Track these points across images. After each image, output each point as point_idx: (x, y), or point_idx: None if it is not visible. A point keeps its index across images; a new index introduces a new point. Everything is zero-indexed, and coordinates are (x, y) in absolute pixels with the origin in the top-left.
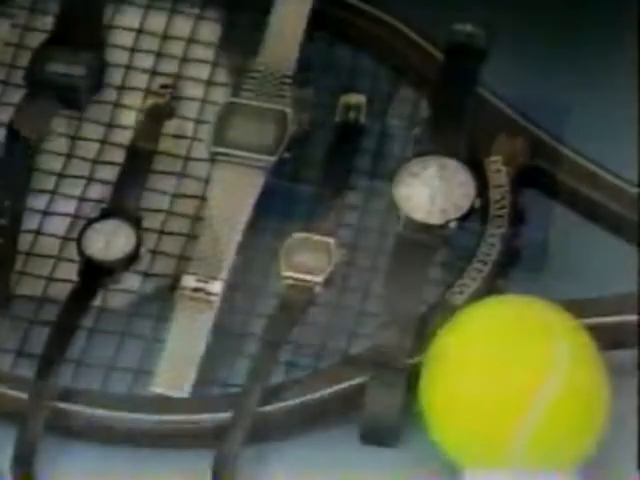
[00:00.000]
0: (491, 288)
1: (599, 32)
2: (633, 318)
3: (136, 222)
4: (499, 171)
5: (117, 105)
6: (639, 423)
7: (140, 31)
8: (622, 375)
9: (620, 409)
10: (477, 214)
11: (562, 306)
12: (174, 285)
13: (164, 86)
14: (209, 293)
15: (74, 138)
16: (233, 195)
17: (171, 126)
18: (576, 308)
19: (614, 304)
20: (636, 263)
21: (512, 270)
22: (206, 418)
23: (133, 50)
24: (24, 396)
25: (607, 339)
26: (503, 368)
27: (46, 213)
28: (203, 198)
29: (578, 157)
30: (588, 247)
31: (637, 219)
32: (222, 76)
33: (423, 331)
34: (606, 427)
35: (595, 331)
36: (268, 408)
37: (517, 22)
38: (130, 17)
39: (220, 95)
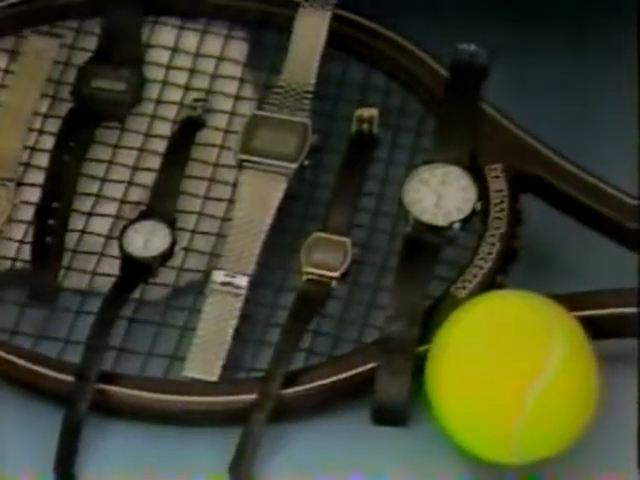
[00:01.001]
0: (491, 283)
1: (599, 44)
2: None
3: (171, 223)
4: (498, 177)
5: (154, 117)
6: (639, 423)
7: (175, 49)
8: (622, 364)
9: (620, 398)
10: (478, 216)
11: (560, 300)
12: (205, 279)
13: (196, 100)
14: (236, 287)
15: (116, 146)
16: (258, 198)
17: (202, 136)
18: (570, 301)
19: (610, 298)
20: (634, 260)
21: (510, 267)
22: (233, 400)
23: (168, 67)
24: (71, 379)
25: (605, 330)
26: (502, 357)
27: (91, 214)
28: (231, 201)
29: (571, 165)
30: (583, 245)
31: (637, 228)
32: (248, 91)
33: (429, 322)
34: (606, 422)
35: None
36: (289, 391)
37: (516, 37)
38: (165, 37)
39: (247, 108)
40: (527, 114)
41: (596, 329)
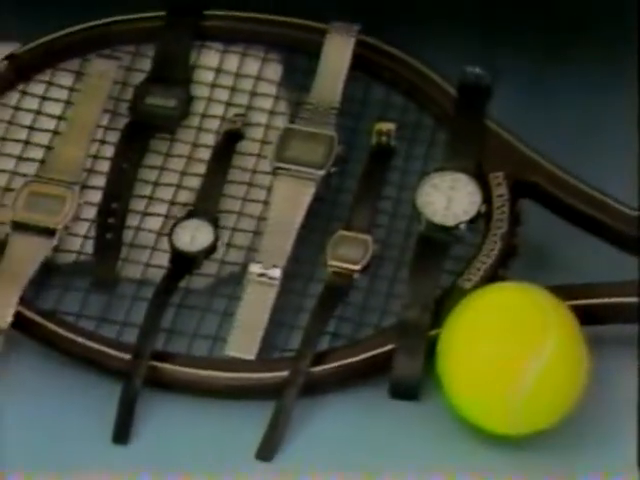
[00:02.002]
0: (494, 276)
1: (599, 57)
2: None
3: (214, 221)
4: (500, 184)
5: (200, 129)
6: (639, 423)
7: (218, 70)
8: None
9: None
10: (483, 217)
11: (554, 290)
12: (243, 271)
13: (237, 115)
14: (271, 278)
15: (167, 155)
16: (290, 201)
17: (242, 146)
18: (564, 292)
19: (598, 289)
20: (623, 255)
21: (510, 262)
22: (268, 376)
23: (213, 86)
24: (128, 357)
25: (594, 316)
26: (504, 340)
27: (145, 213)
28: (266, 203)
29: (564, 174)
30: (574, 243)
31: (636, 235)
32: (282, 107)
33: (439, 310)
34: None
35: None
36: (316, 369)
37: (519, 58)
38: (210, 59)
39: (280, 122)
40: (532, 128)
41: (586, 316)
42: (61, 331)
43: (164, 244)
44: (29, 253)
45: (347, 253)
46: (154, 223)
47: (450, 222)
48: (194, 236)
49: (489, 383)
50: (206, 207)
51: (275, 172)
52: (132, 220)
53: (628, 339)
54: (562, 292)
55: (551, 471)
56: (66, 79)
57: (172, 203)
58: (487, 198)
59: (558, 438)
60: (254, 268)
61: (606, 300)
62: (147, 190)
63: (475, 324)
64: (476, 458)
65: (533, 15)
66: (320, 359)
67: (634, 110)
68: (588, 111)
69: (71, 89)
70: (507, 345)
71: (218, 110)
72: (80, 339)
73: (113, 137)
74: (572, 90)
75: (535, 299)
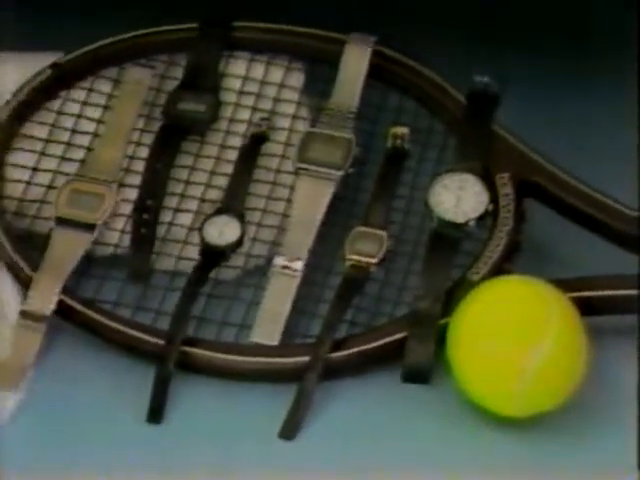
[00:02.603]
0: (500, 270)
1: (601, 63)
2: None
3: (241, 217)
4: (506, 184)
5: (228, 132)
6: (639, 423)
7: (245, 78)
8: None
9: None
10: (490, 215)
11: (556, 283)
12: (268, 263)
13: (262, 119)
14: (294, 270)
15: (197, 155)
16: (311, 199)
17: (267, 148)
18: (564, 284)
19: (596, 282)
20: (621, 252)
21: (515, 257)
22: (290, 361)
23: (240, 92)
24: (161, 342)
25: (592, 308)
26: (509, 329)
27: (177, 210)
28: (289, 200)
29: (565, 175)
30: (574, 240)
31: (636, 234)
32: (304, 112)
33: (449, 300)
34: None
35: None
36: (335, 355)
37: (525, 67)
38: (238, 67)
39: (302, 126)
40: (537, 134)
41: (586, 307)
42: (100, 318)
43: (195, 238)
44: (71, 246)
45: (364, 248)
46: (186, 219)
47: (459, 219)
48: (222, 231)
49: (495, 369)
50: (233, 204)
51: (297, 172)
52: (165, 216)
53: (626, 329)
54: (563, 285)
55: (553, 451)
56: (105, 86)
57: (202, 200)
58: (494, 197)
59: (561, 420)
60: (278, 261)
61: (604, 293)
62: (179, 188)
63: (482, 314)
64: (482, 438)
65: (533, 24)
66: (339, 345)
67: (634, 113)
68: (590, 115)
69: (109, 95)
70: (512, 334)
71: (245, 115)
72: (117, 326)
73: (148, 139)
74: (573, 94)
75: (538, 291)
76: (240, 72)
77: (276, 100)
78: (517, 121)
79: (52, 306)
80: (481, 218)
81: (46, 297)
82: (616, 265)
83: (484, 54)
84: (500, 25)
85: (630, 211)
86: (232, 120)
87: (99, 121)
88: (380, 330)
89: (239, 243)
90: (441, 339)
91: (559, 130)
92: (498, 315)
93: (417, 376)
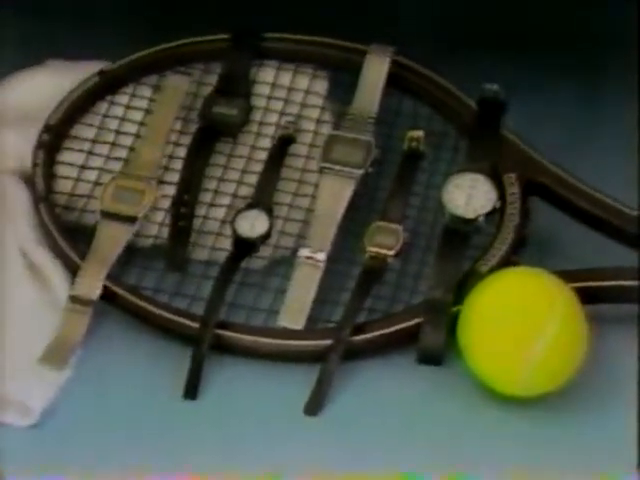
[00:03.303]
0: (507, 261)
1: (602, 72)
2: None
3: (270, 212)
4: (513, 183)
5: (258, 134)
6: (639, 424)
7: (274, 84)
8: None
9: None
10: (498, 212)
11: (559, 274)
12: (294, 254)
13: (289, 122)
14: (317, 260)
15: (230, 155)
16: (334, 195)
17: (293, 149)
18: (567, 275)
19: (595, 273)
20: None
21: (521, 250)
22: (314, 344)
23: (269, 97)
24: (197, 326)
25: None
26: (516, 316)
27: (211, 204)
28: (313, 197)
29: (568, 176)
30: (575, 235)
31: (636, 232)
32: (327, 116)
33: (461, 290)
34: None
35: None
36: (356, 338)
37: (532, 74)
38: (267, 75)
39: (326, 129)
40: (542, 137)
41: (586, 296)
42: (141, 303)
43: (227, 231)
44: (115, 237)
45: (382, 240)
46: (219, 213)
47: (470, 215)
48: (253, 224)
49: (503, 352)
50: (263, 200)
51: (321, 171)
52: (201, 210)
53: (624, 316)
54: (566, 276)
55: (556, 427)
56: (146, 91)
57: (234, 196)
58: (501, 195)
59: (563, 400)
60: (303, 252)
61: (604, 283)
62: (213, 185)
63: (491, 302)
64: (490, 415)
65: (537, 38)
66: (359, 330)
67: (634, 117)
68: (591, 120)
69: (150, 100)
70: (519, 320)
71: (273, 118)
72: (156, 310)
73: (185, 140)
74: (576, 101)
75: (543, 281)
76: (269, 79)
77: (302, 105)
78: (523, 125)
79: (98, 291)
80: (490, 214)
81: (92, 283)
82: (614, 258)
83: (494, 65)
84: (508, 39)
85: (630, 210)
86: (262, 123)
87: (141, 123)
88: (397, 316)
89: (268, 235)
90: (453, 325)
91: (562, 134)
92: (505, 303)
93: (431, 358)
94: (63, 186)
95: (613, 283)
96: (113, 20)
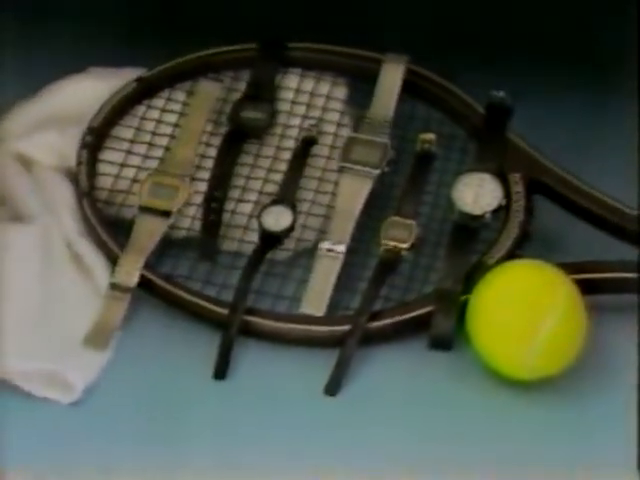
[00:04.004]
0: (512, 255)
1: (602, 78)
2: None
3: (293, 207)
4: (517, 182)
5: (283, 136)
6: (639, 425)
7: (297, 90)
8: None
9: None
10: (503, 209)
11: (561, 266)
12: (315, 247)
13: (312, 125)
14: (337, 252)
15: (257, 155)
16: (352, 193)
17: (316, 149)
18: (568, 267)
19: (592, 266)
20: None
21: (525, 244)
22: (334, 329)
23: (293, 102)
24: (226, 312)
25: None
26: (520, 306)
27: (239, 200)
28: (334, 194)
29: (568, 175)
30: (576, 230)
31: (636, 230)
32: (347, 120)
33: (469, 281)
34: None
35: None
36: (372, 325)
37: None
38: (291, 81)
39: (345, 132)
40: (545, 139)
41: (586, 287)
42: (175, 290)
43: (254, 225)
44: (151, 230)
45: (397, 234)
46: (247, 208)
47: (478, 212)
48: (278, 219)
49: (509, 338)
50: (287, 196)
51: (341, 170)
52: (230, 205)
53: (621, 306)
54: (567, 268)
55: (558, 409)
56: (180, 96)
57: (261, 193)
58: (507, 194)
59: (565, 383)
60: (324, 245)
61: (602, 275)
62: (241, 182)
63: (497, 292)
64: (496, 396)
65: (542, 47)
66: (375, 317)
67: (634, 120)
68: (592, 123)
69: (184, 104)
70: (523, 309)
71: (297, 121)
72: (189, 297)
73: (216, 141)
74: (578, 105)
75: (546, 273)
76: (293, 85)
77: (323, 109)
78: (528, 129)
79: (135, 280)
80: (496, 211)
81: (130, 272)
82: (613, 253)
83: (500, 72)
84: (514, 48)
85: (630, 210)
86: (286, 126)
87: (175, 125)
88: (410, 305)
89: (291, 229)
90: (462, 313)
91: (565, 137)
92: (511, 293)
93: (441, 344)
94: (104, 183)
95: (611, 275)
96: (150, 29)
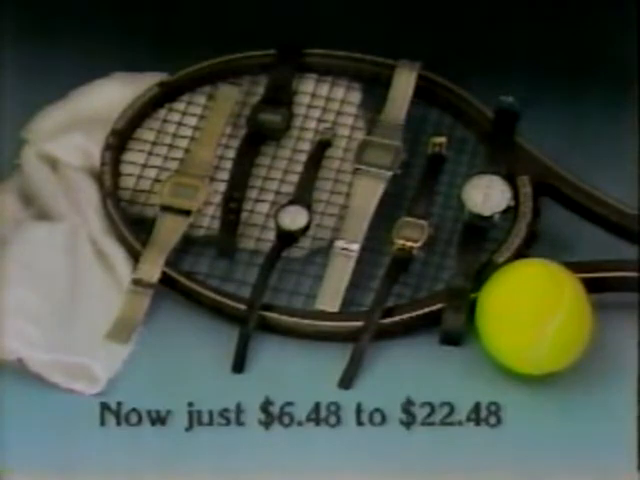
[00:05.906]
0: (520, 254)
1: (603, 84)
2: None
3: (309, 207)
4: (525, 184)
5: (299, 138)
6: (639, 425)
7: (313, 95)
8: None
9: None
10: (512, 210)
11: (567, 265)
12: (330, 245)
13: (327, 128)
14: (351, 251)
15: (274, 157)
16: (366, 193)
17: (331, 151)
18: (574, 267)
19: (597, 265)
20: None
21: (532, 243)
22: (347, 325)
23: (309, 106)
24: (244, 307)
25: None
26: (528, 303)
27: (257, 200)
28: (348, 194)
29: (574, 178)
30: (581, 230)
31: (636, 229)
32: (361, 123)
33: (479, 279)
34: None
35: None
36: (384, 321)
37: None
38: (307, 86)
39: (359, 134)
40: (552, 143)
41: (591, 285)
42: (195, 286)
43: (271, 224)
44: (172, 228)
45: (409, 234)
46: (264, 208)
47: (487, 213)
48: (294, 218)
49: (517, 335)
50: (303, 197)
51: (355, 172)
52: (248, 205)
53: (625, 304)
54: (573, 267)
55: (564, 402)
56: (201, 99)
57: (277, 193)
58: (515, 195)
59: (571, 378)
60: (338, 243)
61: (607, 274)
62: (259, 183)
63: (506, 290)
64: (504, 390)
65: (547, 58)
66: (387, 313)
67: (634, 123)
68: (595, 128)
69: (204, 107)
70: (531, 306)
71: (312, 124)
72: (208, 293)
73: (234, 143)
74: (582, 111)
75: (552, 271)
76: (309, 90)
77: (338, 113)
78: (535, 133)
79: (157, 276)
80: (504, 212)
81: (152, 268)
82: (616, 252)
83: (508, 79)
84: (522, 57)
85: (631, 210)
86: (302, 129)
87: (195, 128)
88: (422, 301)
89: (307, 228)
90: (472, 310)
91: (571, 141)
92: (519, 291)
93: (451, 339)
94: (127, 183)
95: (615, 274)
96: (172, 37)
